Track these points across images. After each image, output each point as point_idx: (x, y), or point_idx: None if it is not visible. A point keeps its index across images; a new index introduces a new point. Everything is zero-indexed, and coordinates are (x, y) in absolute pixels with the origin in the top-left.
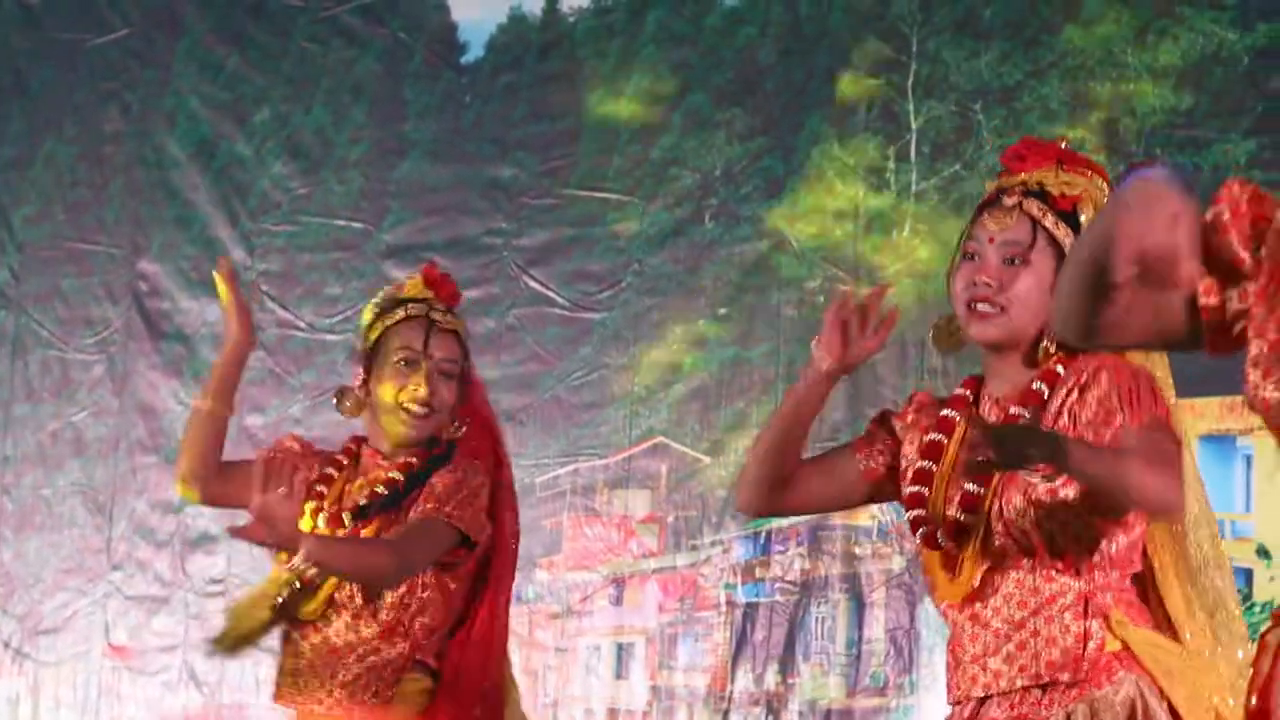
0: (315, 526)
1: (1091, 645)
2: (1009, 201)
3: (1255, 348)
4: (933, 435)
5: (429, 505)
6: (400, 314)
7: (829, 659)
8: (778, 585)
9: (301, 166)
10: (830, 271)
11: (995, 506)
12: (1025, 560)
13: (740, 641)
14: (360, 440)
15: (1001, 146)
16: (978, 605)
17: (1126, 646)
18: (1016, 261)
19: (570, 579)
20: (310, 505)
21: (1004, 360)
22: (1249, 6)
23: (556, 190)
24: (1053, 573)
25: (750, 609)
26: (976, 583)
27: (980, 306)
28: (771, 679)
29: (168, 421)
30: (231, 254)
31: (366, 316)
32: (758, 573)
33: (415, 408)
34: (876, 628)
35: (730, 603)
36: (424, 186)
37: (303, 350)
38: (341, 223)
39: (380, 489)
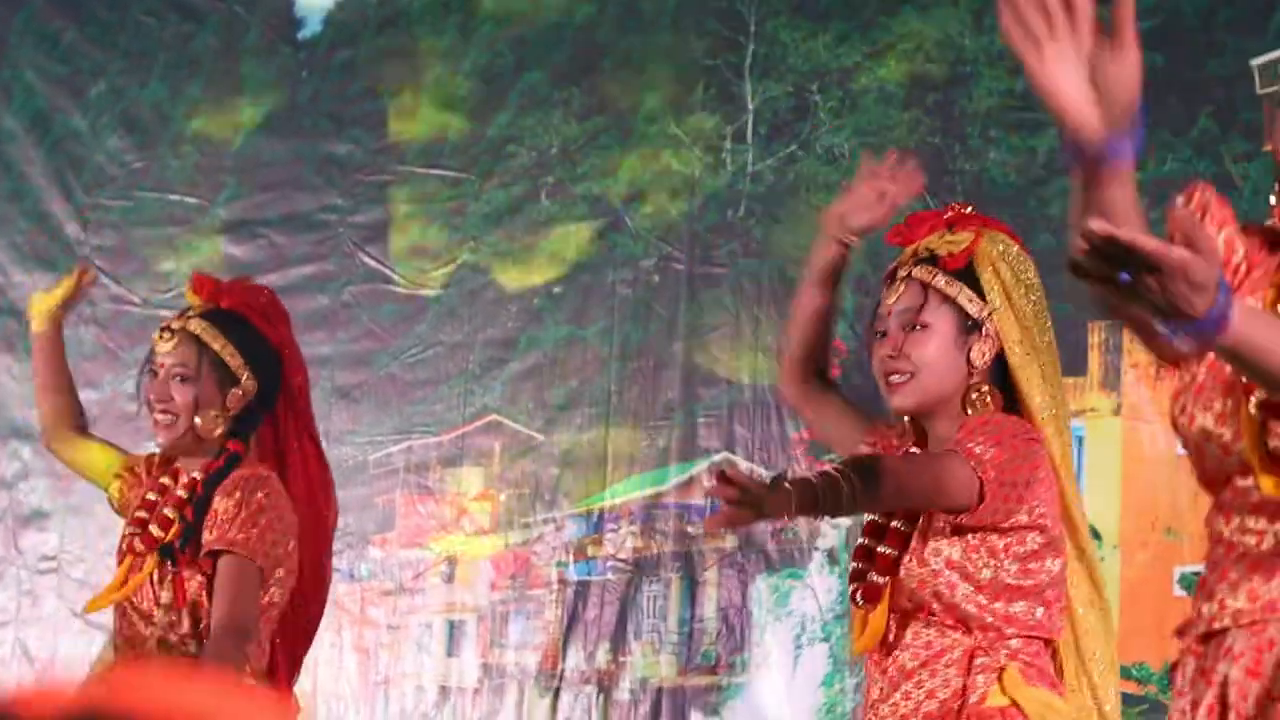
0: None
1: (972, 698)
2: (901, 274)
3: (1194, 371)
4: None
5: (215, 536)
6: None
7: (660, 637)
8: (610, 563)
9: (136, 141)
10: (666, 250)
11: (904, 565)
12: (924, 615)
13: (572, 620)
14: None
15: (838, 128)
16: (883, 655)
17: (1015, 704)
18: (915, 327)
19: (403, 556)
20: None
21: (935, 424)
22: None
23: (392, 167)
24: (945, 628)
25: (582, 587)
26: (885, 633)
27: (892, 378)
28: (603, 657)
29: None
30: (65, 229)
31: None
32: (590, 551)
33: (158, 416)
34: (709, 606)
35: (562, 581)
36: (259, 162)
37: (137, 326)
38: (176, 198)
39: (169, 513)
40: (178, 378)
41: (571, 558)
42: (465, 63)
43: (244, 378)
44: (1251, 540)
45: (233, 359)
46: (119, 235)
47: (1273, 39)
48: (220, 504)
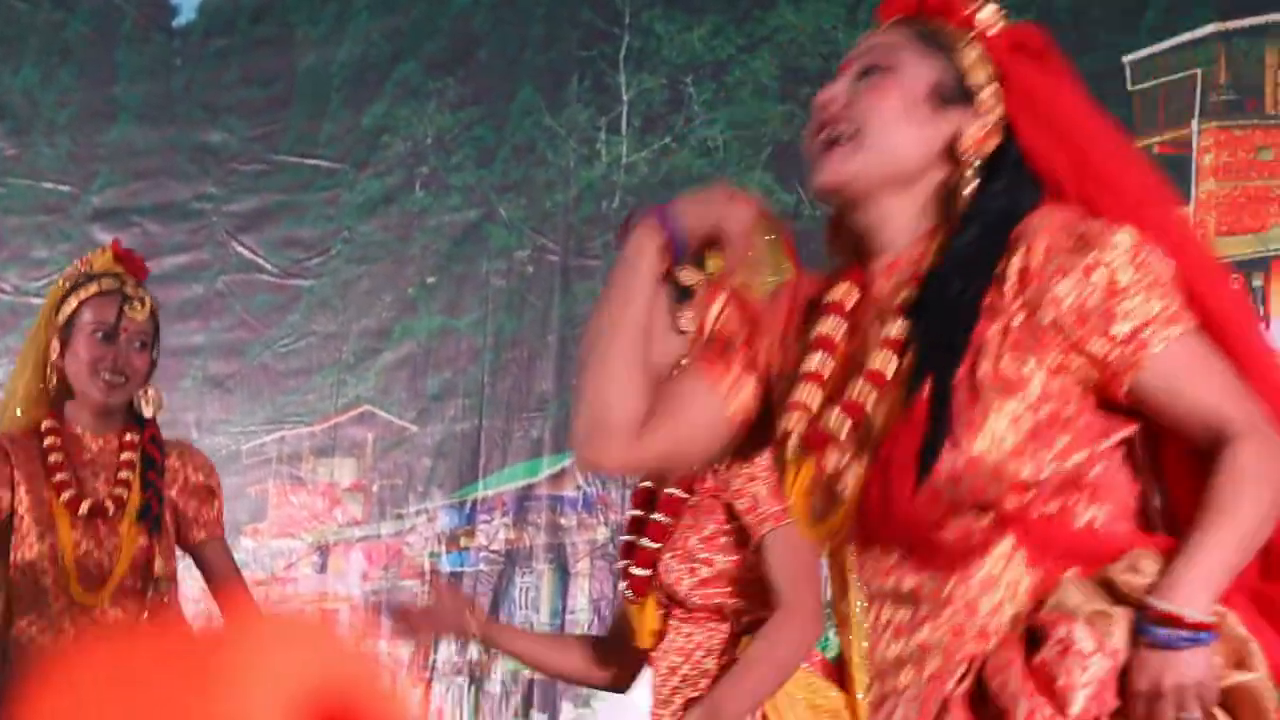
0: (75, 520)
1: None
2: None
3: None
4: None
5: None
6: (94, 288)
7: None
8: (483, 554)
9: (9, 128)
10: (540, 242)
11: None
12: (681, 609)
13: None
14: (55, 420)
15: (713, 120)
16: (655, 649)
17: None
18: None
19: (275, 546)
20: (63, 498)
21: None
22: None
23: (267, 156)
24: (702, 618)
25: (455, 578)
26: (656, 627)
27: None
28: (475, 648)
29: None
30: None
31: (57, 293)
32: (463, 542)
33: (111, 377)
34: (581, 598)
35: (434, 571)
36: (133, 150)
37: (8, 313)
38: (49, 185)
39: (124, 475)
40: (139, 344)
41: (444, 548)
42: (340, 52)
43: (155, 352)
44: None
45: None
46: None
47: (1145, 36)
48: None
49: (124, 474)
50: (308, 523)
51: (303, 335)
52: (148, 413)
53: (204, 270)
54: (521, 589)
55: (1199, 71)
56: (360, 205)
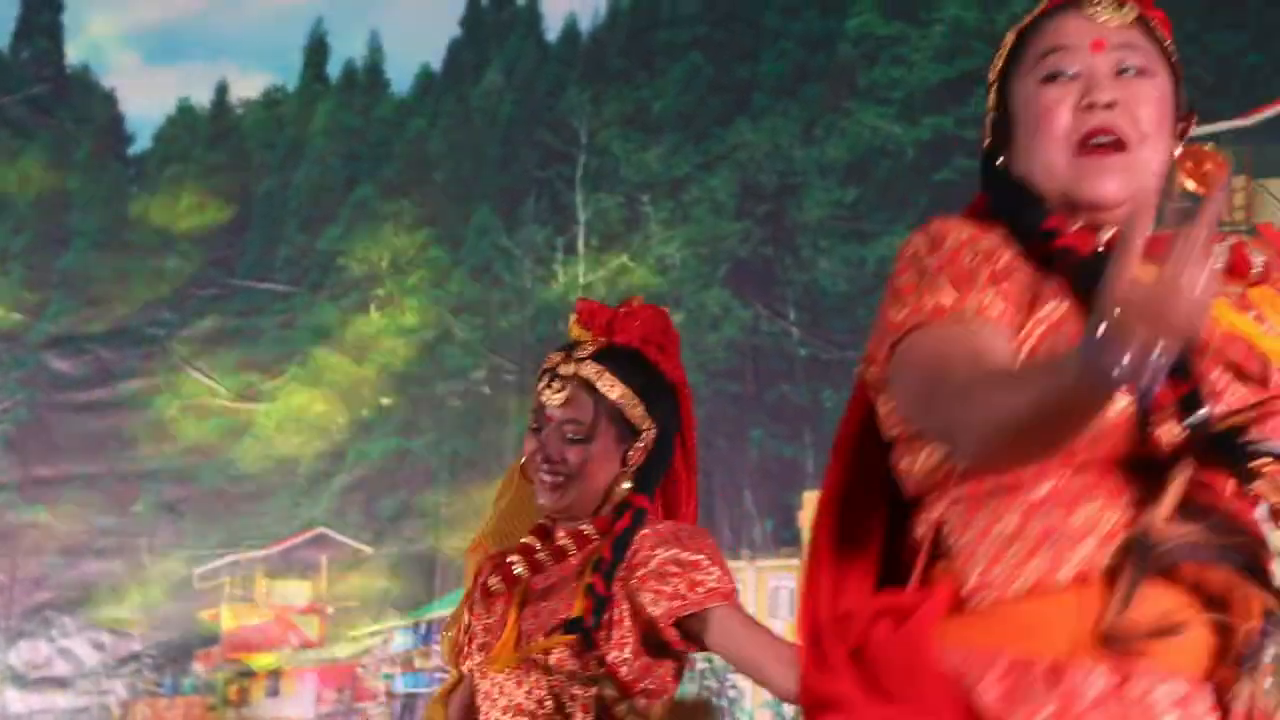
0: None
1: None
2: None
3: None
4: None
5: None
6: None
7: None
8: (438, 675)
9: None
10: (496, 362)
11: None
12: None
13: None
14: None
15: (670, 238)
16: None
17: None
18: None
19: (227, 671)
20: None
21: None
22: (913, 101)
23: (222, 280)
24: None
25: (409, 699)
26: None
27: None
28: None
29: None
30: None
31: None
32: (417, 663)
33: (542, 475)
34: None
35: (389, 693)
36: (88, 276)
37: None
38: (2, 312)
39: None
40: (570, 435)
41: (399, 669)
42: (296, 176)
43: (645, 427)
44: None
45: (633, 408)
46: None
47: None
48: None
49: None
50: (261, 646)
51: (256, 459)
52: None
53: (157, 395)
54: None
55: None
56: (315, 328)
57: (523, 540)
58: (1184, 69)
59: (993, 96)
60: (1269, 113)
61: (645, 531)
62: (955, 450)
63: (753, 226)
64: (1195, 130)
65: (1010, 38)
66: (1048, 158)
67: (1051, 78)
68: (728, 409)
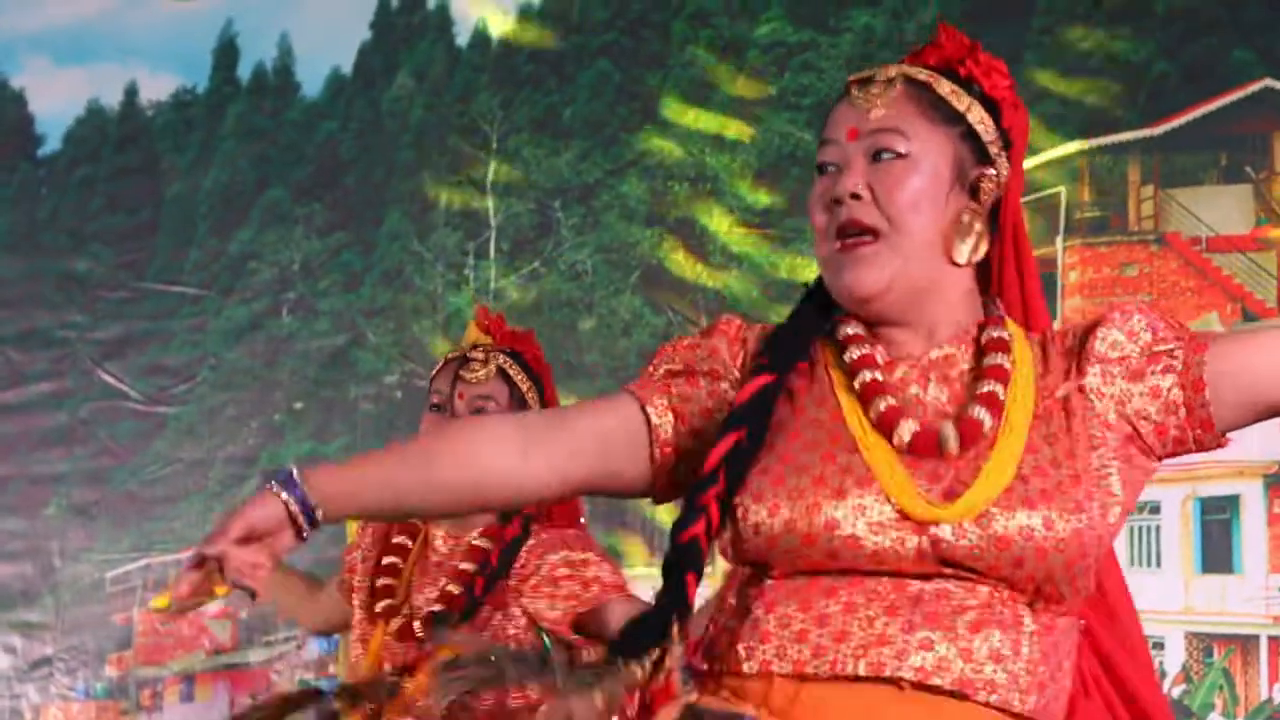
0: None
1: None
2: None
3: None
4: None
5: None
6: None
7: None
8: None
9: None
10: (408, 367)
11: None
12: None
13: None
14: None
15: (581, 244)
16: None
17: None
18: None
19: (141, 675)
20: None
21: None
22: (824, 108)
23: (132, 283)
24: None
25: None
26: None
27: None
28: None
29: None
30: None
31: None
32: (332, 668)
33: None
34: None
35: None
36: None
37: None
38: None
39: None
40: (481, 411)
41: (313, 674)
42: (207, 179)
43: None
44: None
45: (535, 403)
46: None
47: None
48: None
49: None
50: (174, 651)
51: (168, 462)
52: None
53: (68, 398)
54: None
55: (1063, 189)
56: (226, 331)
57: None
58: (1091, 79)
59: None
60: (1176, 122)
61: (531, 541)
62: None
63: (664, 232)
64: (1103, 140)
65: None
66: (819, 251)
67: (821, 170)
68: None
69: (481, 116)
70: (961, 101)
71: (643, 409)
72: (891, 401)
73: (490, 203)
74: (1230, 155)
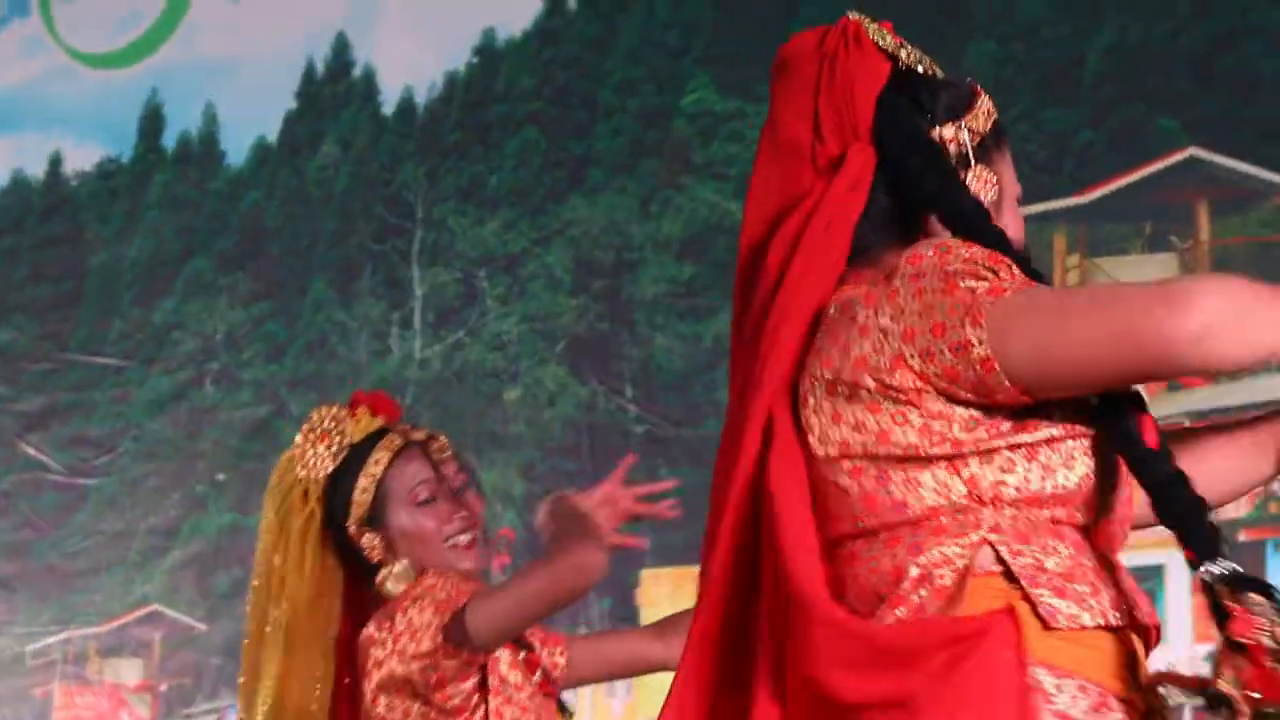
0: None
1: None
2: None
3: None
4: None
5: None
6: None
7: None
8: None
9: None
10: None
11: None
12: None
13: None
14: None
15: (506, 314)
16: None
17: None
18: None
19: None
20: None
21: None
22: (750, 178)
23: (55, 354)
24: None
25: None
26: None
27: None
28: None
29: None
30: None
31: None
32: None
33: (458, 538)
34: None
35: None
36: None
37: None
38: None
39: None
40: (473, 488)
41: None
42: (131, 249)
43: None
44: None
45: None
46: None
47: None
48: None
49: None
50: None
51: (90, 534)
52: None
53: None
54: None
55: None
56: (150, 402)
57: None
58: (1017, 146)
59: (971, 152)
60: (1102, 191)
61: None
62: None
63: (589, 302)
64: (1029, 208)
65: (989, 106)
66: (1016, 234)
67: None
68: (564, 485)
69: (407, 185)
70: None
71: None
72: None
73: (415, 272)
74: (1155, 224)
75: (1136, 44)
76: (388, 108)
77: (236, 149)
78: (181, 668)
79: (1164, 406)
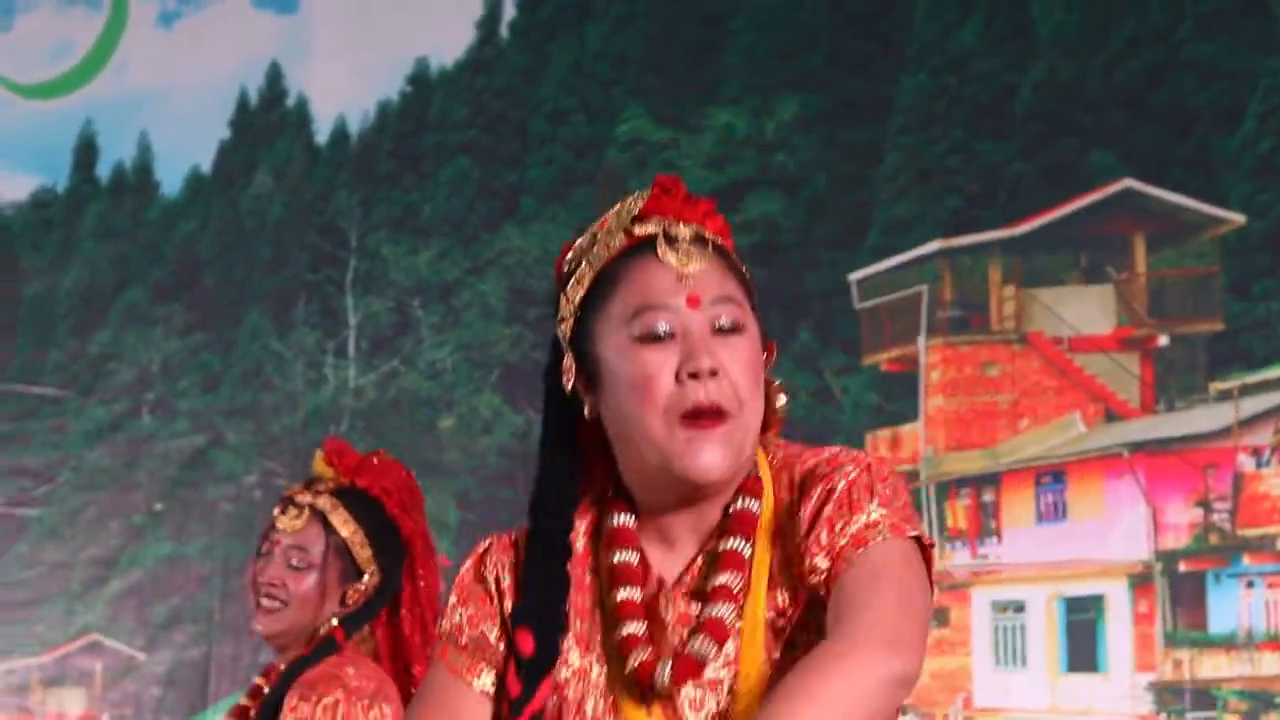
0: None
1: None
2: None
3: None
4: None
5: None
6: None
7: None
8: None
9: None
10: (267, 466)
11: None
12: None
13: None
14: None
15: (441, 342)
16: None
17: None
18: None
19: None
20: None
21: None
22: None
23: None
24: None
25: None
26: None
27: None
28: None
29: None
30: None
31: None
32: None
33: (260, 599)
34: None
35: None
36: None
37: None
38: None
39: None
40: (294, 563)
41: None
42: (66, 279)
43: (370, 571)
44: None
45: (361, 549)
46: None
47: (869, 254)
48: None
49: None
50: None
51: (30, 565)
52: None
53: None
54: None
55: (925, 288)
56: (87, 433)
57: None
58: (951, 179)
59: (568, 330)
60: (1037, 223)
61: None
62: None
63: (524, 331)
64: (963, 240)
65: (586, 273)
66: (647, 425)
67: (648, 338)
68: (500, 513)
69: (340, 214)
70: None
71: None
72: (644, 656)
73: (349, 301)
74: (1091, 256)
75: (1070, 78)
76: (321, 137)
77: (171, 179)
78: (123, 698)
79: (1103, 438)
